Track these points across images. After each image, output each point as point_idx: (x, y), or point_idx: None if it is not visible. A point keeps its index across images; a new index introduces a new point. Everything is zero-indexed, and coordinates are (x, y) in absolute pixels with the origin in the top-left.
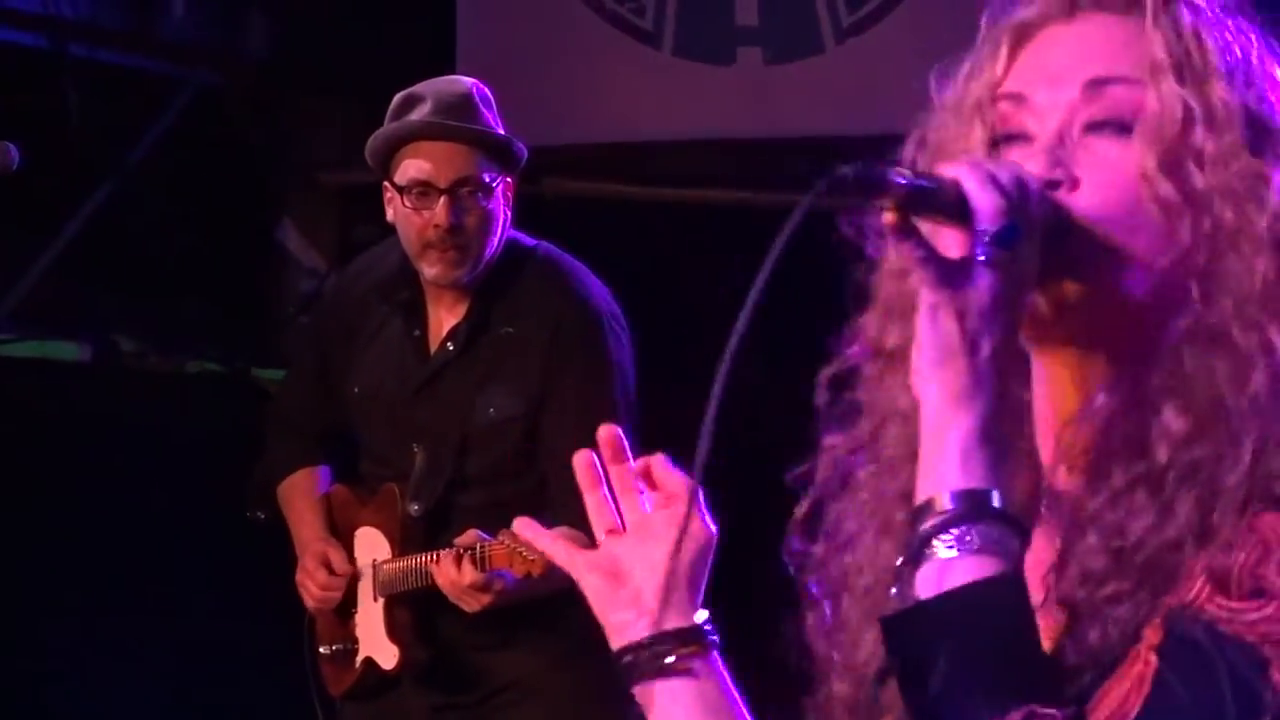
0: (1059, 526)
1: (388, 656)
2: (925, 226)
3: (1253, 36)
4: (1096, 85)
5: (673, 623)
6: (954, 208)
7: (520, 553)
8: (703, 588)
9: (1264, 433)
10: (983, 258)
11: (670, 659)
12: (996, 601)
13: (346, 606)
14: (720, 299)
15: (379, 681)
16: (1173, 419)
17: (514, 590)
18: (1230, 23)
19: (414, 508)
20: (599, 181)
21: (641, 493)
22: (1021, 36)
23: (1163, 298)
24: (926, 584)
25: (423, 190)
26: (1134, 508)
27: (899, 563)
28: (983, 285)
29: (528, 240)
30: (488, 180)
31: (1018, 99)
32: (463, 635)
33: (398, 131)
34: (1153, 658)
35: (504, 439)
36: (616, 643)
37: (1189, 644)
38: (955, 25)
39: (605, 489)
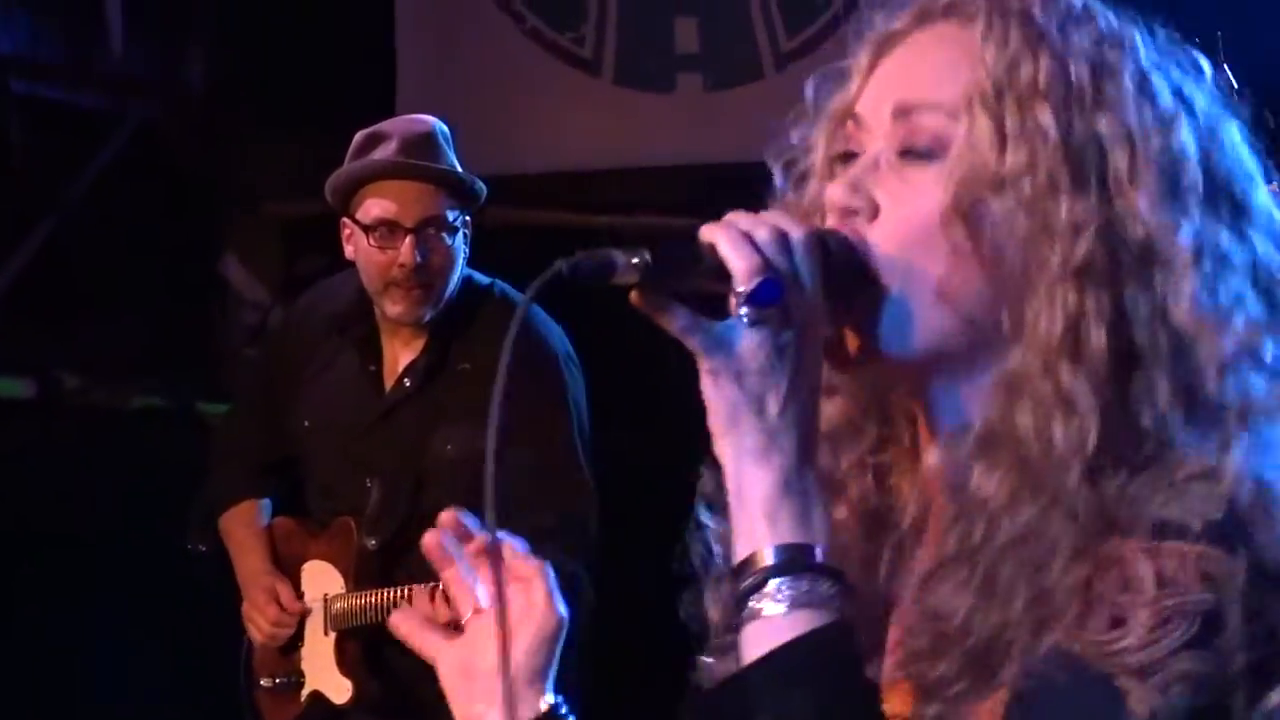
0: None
1: (339, 691)
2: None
3: (1107, 51)
4: (904, 111)
5: (522, 715)
6: (713, 272)
7: None
8: (550, 671)
9: (1090, 477)
10: (747, 318)
11: None
12: (812, 659)
13: (291, 639)
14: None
15: (324, 715)
16: (981, 483)
17: None
18: (1078, 37)
19: (370, 542)
20: (541, 210)
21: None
22: (881, 50)
23: (970, 340)
24: (748, 647)
25: (388, 229)
26: (957, 589)
27: (723, 629)
28: (751, 345)
29: (483, 279)
30: (451, 220)
31: (857, 119)
32: (415, 669)
33: (363, 170)
34: (1003, 693)
35: (461, 475)
36: None
37: (1044, 678)
38: None
39: (458, 568)
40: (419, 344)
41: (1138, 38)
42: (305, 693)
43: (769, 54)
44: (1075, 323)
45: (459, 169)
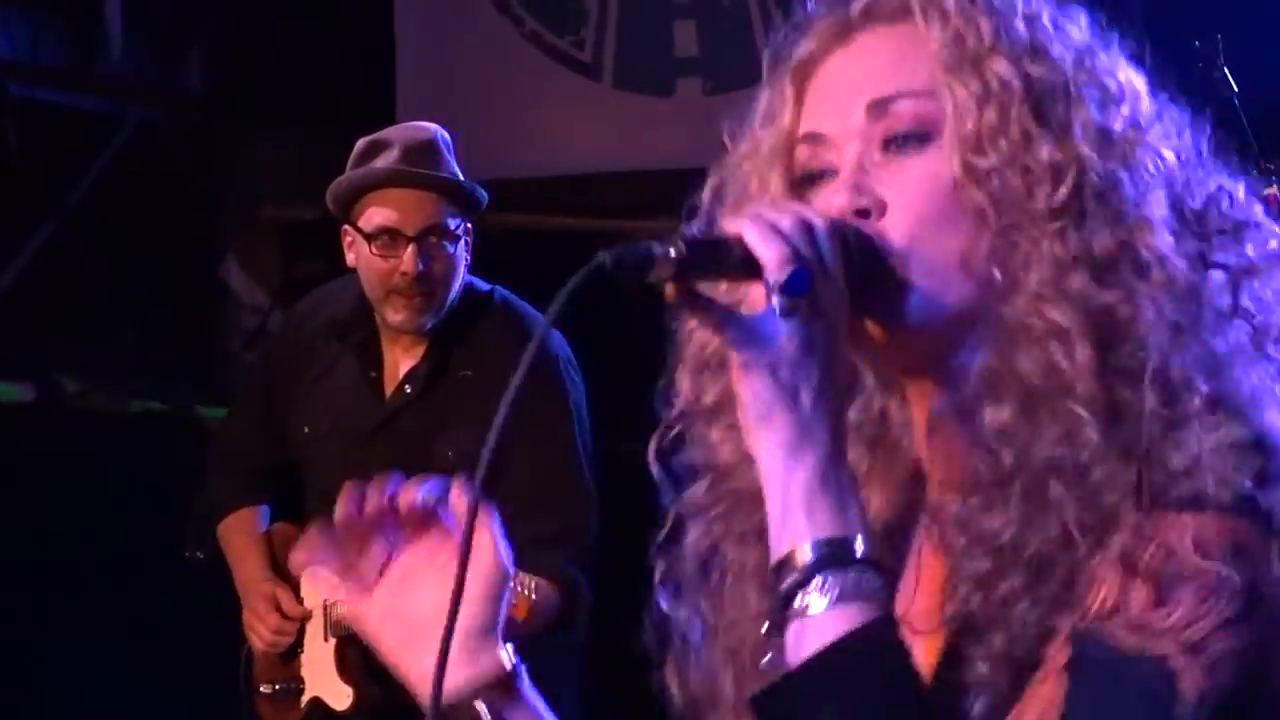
0: (944, 540)
1: (339, 697)
2: (722, 286)
3: (1027, 7)
4: (880, 105)
5: (485, 668)
6: (742, 264)
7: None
8: (499, 626)
9: (1132, 426)
10: (779, 308)
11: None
12: (867, 655)
13: (291, 646)
14: (666, 331)
15: None
16: (992, 417)
17: None
18: None
19: None
20: (540, 214)
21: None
22: (805, 74)
23: (982, 298)
24: (795, 646)
25: (390, 237)
26: (1003, 508)
27: (764, 629)
28: (786, 336)
29: (483, 285)
30: (453, 227)
31: (814, 139)
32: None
33: (365, 178)
34: (1063, 679)
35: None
36: (420, 694)
37: (1098, 664)
38: None
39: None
40: (420, 350)
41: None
42: (305, 699)
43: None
44: (1061, 261)
45: (460, 176)
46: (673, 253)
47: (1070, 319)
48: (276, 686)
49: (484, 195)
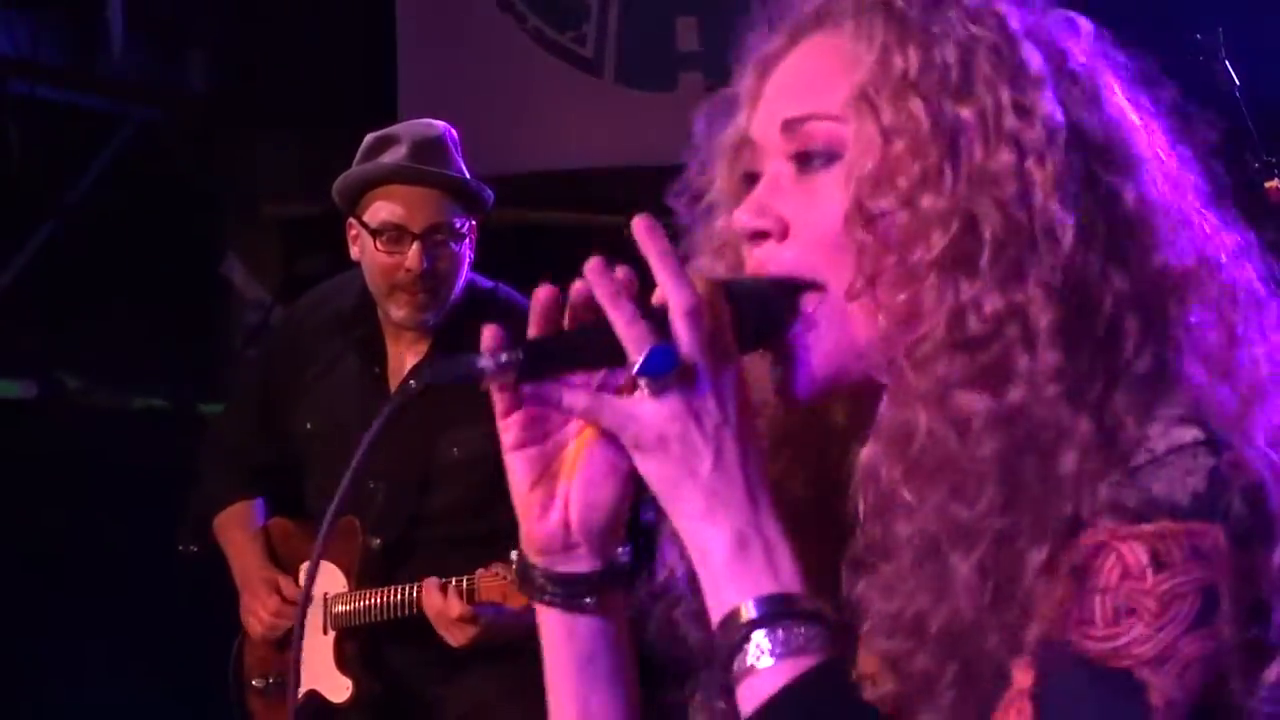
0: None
1: (338, 690)
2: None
3: (973, 29)
4: (792, 125)
5: (596, 564)
6: (596, 353)
7: (515, 585)
8: (619, 515)
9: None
10: (648, 390)
11: (590, 600)
12: (818, 697)
13: (285, 639)
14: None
15: (319, 715)
16: (887, 476)
17: (502, 625)
18: (942, 19)
19: (375, 542)
20: (542, 210)
21: None
22: (765, 72)
23: (875, 343)
24: (744, 703)
25: (396, 233)
26: (902, 584)
27: (719, 702)
28: (664, 414)
29: (486, 282)
30: (458, 225)
31: (749, 142)
32: (414, 667)
33: (374, 173)
34: (1027, 705)
35: (467, 477)
36: (529, 553)
37: (1063, 684)
38: None
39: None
40: (423, 347)
41: (1004, 8)
42: (301, 692)
43: None
44: (953, 311)
45: (466, 175)
46: (505, 361)
47: (959, 372)
48: (269, 680)
49: (490, 194)
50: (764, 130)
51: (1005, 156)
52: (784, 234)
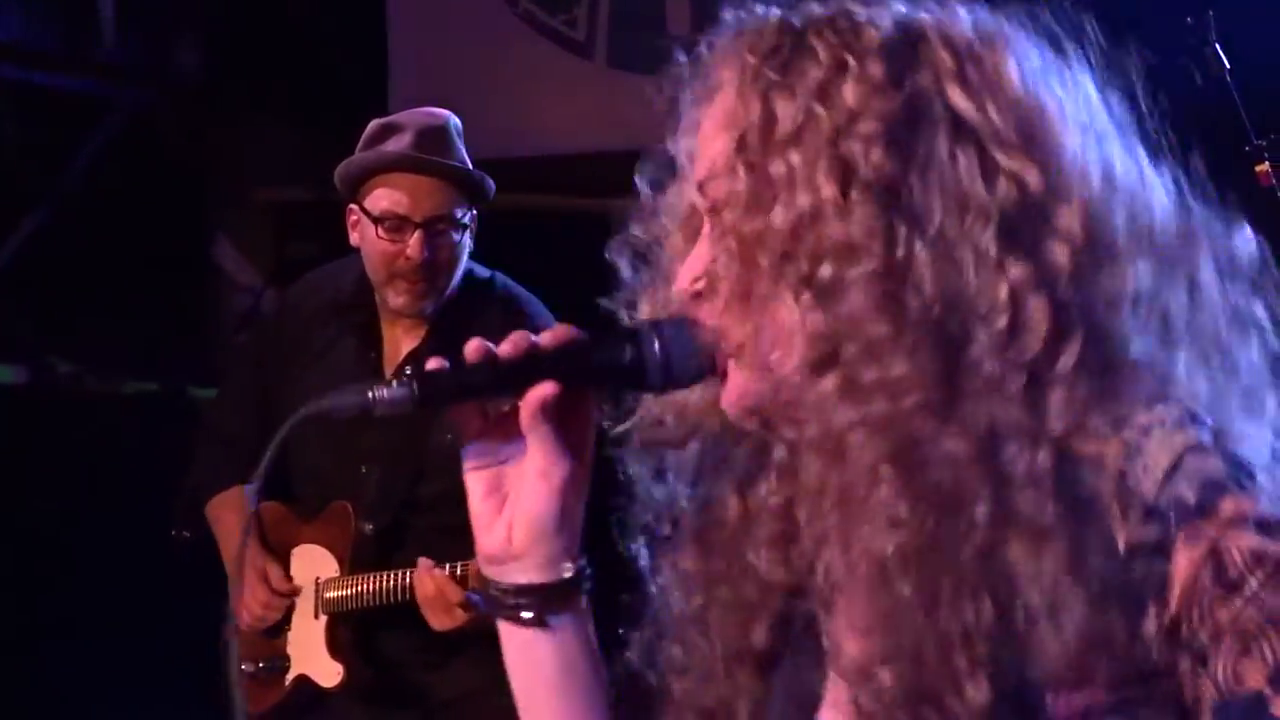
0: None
1: (328, 674)
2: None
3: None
4: (702, 186)
5: (542, 576)
6: (484, 385)
7: None
8: (577, 527)
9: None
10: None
11: (529, 614)
12: None
13: (277, 624)
14: None
15: (308, 700)
16: (802, 515)
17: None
18: (797, 70)
19: (368, 527)
20: (534, 194)
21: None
22: (691, 132)
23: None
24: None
25: (398, 222)
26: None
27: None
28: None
29: (483, 271)
30: (459, 216)
31: (692, 203)
32: (405, 653)
33: (376, 160)
34: None
35: (461, 465)
36: (481, 563)
37: None
38: None
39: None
40: (420, 333)
41: (878, 42)
42: (290, 678)
43: None
44: (810, 338)
45: (469, 165)
46: (393, 393)
47: (821, 395)
48: (260, 664)
49: (492, 185)
50: (693, 191)
51: (828, 192)
52: (713, 291)
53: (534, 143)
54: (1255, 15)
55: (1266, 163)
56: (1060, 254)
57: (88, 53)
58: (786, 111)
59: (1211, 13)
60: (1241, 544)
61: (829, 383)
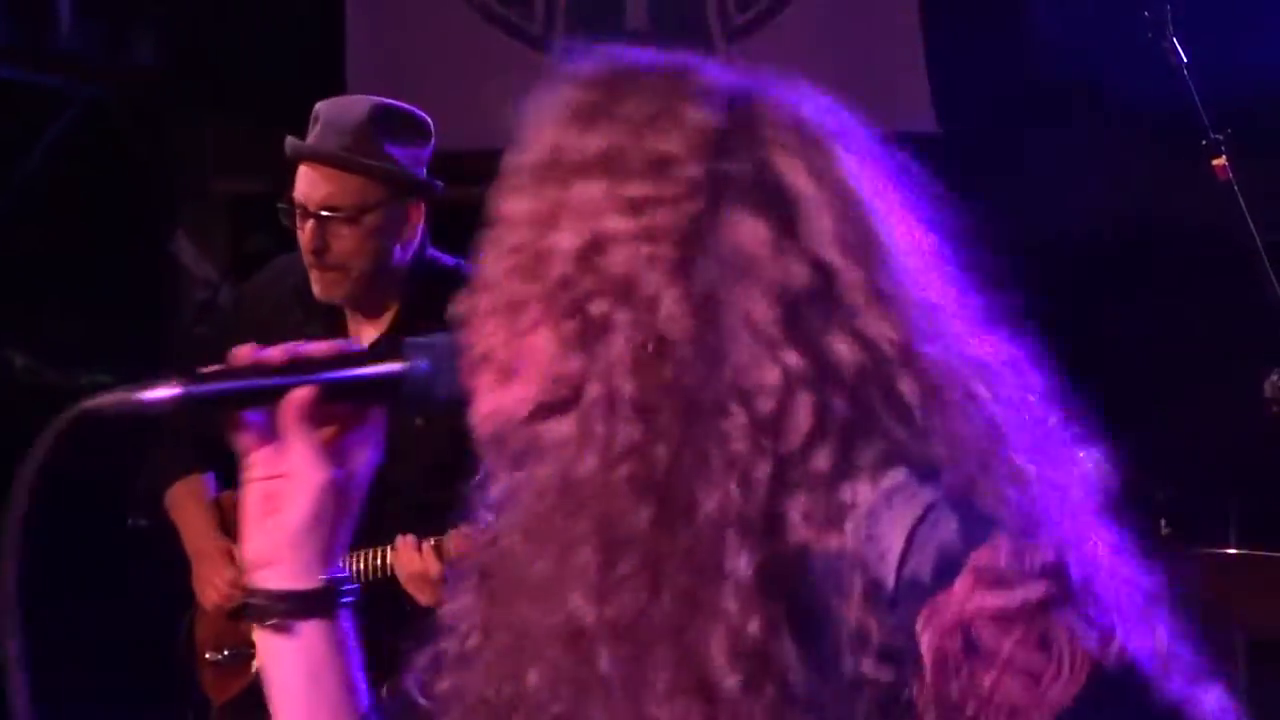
0: None
1: None
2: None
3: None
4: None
5: (295, 583)
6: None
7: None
8: (338, 537)
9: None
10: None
11: (280, 620)
12: None
13: (240, 610)
14: None
15: None
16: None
17: None
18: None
19: None
20: (489, 187)
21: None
22: None
23: None
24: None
25: (301, 212)
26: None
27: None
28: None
29: (448, 260)
30: (357, 208)
31: None
32: (384, 633)
33: (289, 149)
34: None
35: (431, 447)
36: (247, 574)
37: None
38: (841, 26)
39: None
40: (384, 321)
41: (706, 92)
42: (255, 665)
43: (719, 29)
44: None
45: (396, 158)
46: (158, 396)
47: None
48: (224, 653)
49: (420, 176)
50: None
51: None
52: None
53: (488, 136)
54: (1212, 6)
55: (1224, 157)
56: (845, 354)
57: (43, 45)
58: (599, 139)
59: (1169, 5)
60: (985, 607)
61: (558, 425)
